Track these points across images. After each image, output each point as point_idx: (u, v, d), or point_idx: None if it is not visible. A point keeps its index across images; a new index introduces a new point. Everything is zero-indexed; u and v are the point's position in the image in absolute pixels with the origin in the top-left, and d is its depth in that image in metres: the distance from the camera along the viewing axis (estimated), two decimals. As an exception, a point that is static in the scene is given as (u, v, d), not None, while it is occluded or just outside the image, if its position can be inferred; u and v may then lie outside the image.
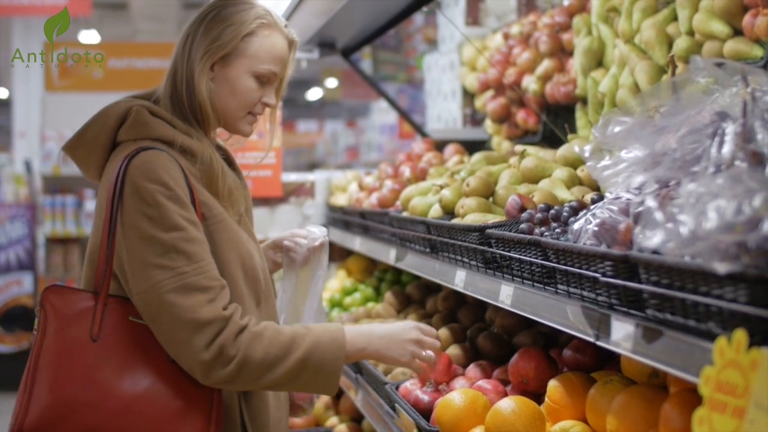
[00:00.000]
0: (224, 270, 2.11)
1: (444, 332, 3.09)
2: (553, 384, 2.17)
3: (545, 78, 3.59)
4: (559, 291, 1.90)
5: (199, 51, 2.18)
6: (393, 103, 5.35)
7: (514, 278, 2.15)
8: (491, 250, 2.27)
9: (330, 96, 17.97)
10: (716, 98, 1.71)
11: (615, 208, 1.70)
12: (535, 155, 2.87)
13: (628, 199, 1.69)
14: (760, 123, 1.48)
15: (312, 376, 2.08)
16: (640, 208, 1.56)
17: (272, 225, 4.76)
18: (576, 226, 1.81)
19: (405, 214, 3.17)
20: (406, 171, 3.72)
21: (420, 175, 3.62)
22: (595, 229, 1.71)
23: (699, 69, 1.79)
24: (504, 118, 4.04)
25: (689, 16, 2.62)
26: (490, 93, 4.22)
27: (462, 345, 2.95)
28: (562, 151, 2.83)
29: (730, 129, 1.52)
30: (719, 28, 2.48)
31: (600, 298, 1.70)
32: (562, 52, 3.59)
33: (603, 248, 1.66)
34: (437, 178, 3.26)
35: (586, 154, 1.90)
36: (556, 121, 3.57)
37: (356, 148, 17.43)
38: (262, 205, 4.78)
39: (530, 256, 2.03)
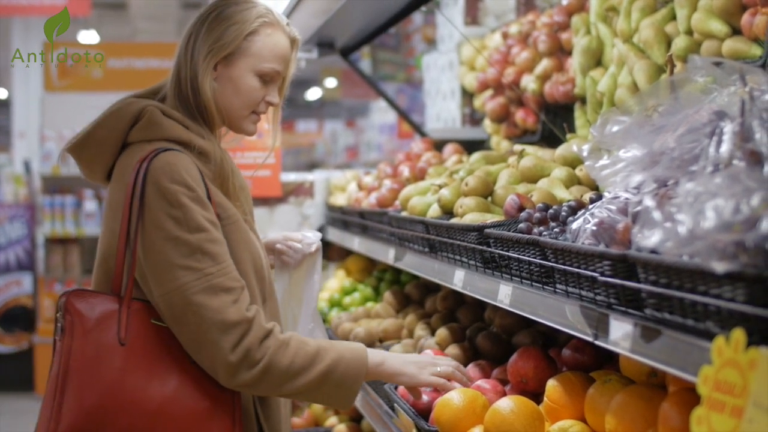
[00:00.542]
0: (239, 269, 2.12)
1: (443, 332, 3.08)
2: (551, 383, 2.17)
3: (544, 77, 3.59)
4: (557, 290, 1.90)
5: (202, 51, 2.18)
6: (392, 103, 5.35)
7: (513, 278, 2.15)
8: (490, 249, 2.27)
9: (329, 96, 17.97)
10: (714, 97, 1.71)
11: (613, 207, 1.70)
12: (534, 155, 2.87)
13: (627, 199, 1.69)
14: (759, 122, 1.48)
15: (332, 389, 2.11)
16: (639, 208, 1.56)
17: (271, 225, 4.76)
18: (574, 225, 1.81)
19: (404, 213, 3.17)
20: (405, 171, 3.72)
21: (419, 175, 3.61)
22: (594, 228, 1.71)
23: (697, 68, 1.79)
24: (503, 117, 4.04)
25: (688, 16, 2.62)
26: (488, 92, 4.22)
27: (461, 345, 2.95)
28: (561, 150, 2.83)
29: (729, 128, 1.52)
30: (718, 27, 2.48)
31: (598, 298, 1.70)
32: (560, 51, 3.59)
33: (601, 248, 1.66)
34: (436, 178, 3.26)
35: (585, 154, 1.90)
36: (554, 121, 3.57)
37: (356, 147, 17.44)
38: (261, 204, 4.78)
39: (529, 256, 2.02)
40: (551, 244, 1.87)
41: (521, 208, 2.42)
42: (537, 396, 2.29)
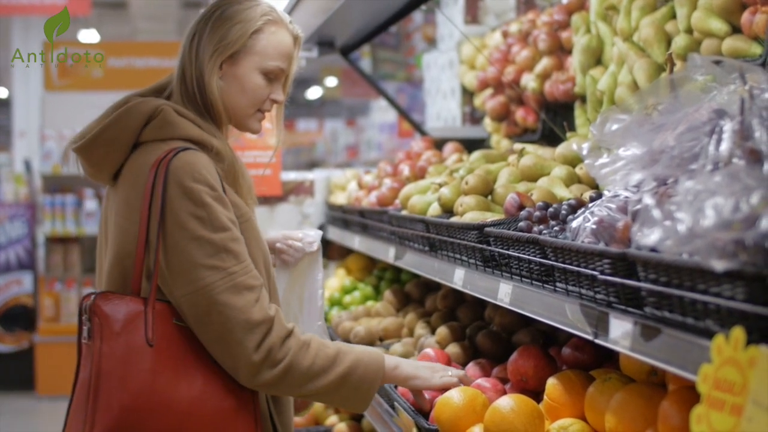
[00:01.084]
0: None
1: (443, 330, 3.09)
2: (551, 382, 2.17)
3: (544, 76, 3.59)
4: (557, 289, 1.90)
5: (208, 50, 2.18)
6: (392, 102, 5.35)
7: (513, 276, 2.15)
8: (490, 248, 2.27)
9: (330, 95, 17.98)
10: (714, 96, 1.71)
11: (613, 206, 1.70)
12: (534, 153, 2.87)
13: (626, 197, 1.69)
14: (758, 120, 1.48)
15: (349, 392, 2.15)
16: (638, 206, 1.56)
17: (272, 224, 4.76)
18: (574, 224, 1.81)
19: (404, 212, 3.17)
20: (405, 169, 3.72)
21: (419, 174, 3.61)
22: (594, 227, 1.71)
23: (697, 67, 1.79)
24: (503, 116, 4.04)
25: (688, 14, 2.62)
26: (489, 91, 4.22)
27: (461, 343, 2.95)
28: (561, 149, 2.83)
29: (728, 126, 1.52)
30: (718, 25, 2.48)
31: (598, 296, 1.70)
32: (560, 50, 3.59)
33: (601, 246, 1.66)
34: (436, 177, 3.26)
35: (584, 152, 1.90)
36: (555, 119, 3.57)
37: (356, 146, 17.43)
38: (261, 203, 4.75)
39: (529, 254, 2.03)
40: (551, 242, 1.87)
41: (521, 207, 2.42)
42: (537, 395, 2.29)
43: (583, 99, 3.31)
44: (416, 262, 2.96)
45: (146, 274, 2.07)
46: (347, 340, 3.50)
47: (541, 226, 2.10)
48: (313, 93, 20.22)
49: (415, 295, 3.84)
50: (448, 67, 5.14)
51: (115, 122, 2.14)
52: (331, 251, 4.87)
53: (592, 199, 1.99)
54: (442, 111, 5.26)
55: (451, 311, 3.36)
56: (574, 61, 3.30)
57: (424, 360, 2.70)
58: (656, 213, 1.45)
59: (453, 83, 5.04)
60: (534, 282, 2.02)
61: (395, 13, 4.03)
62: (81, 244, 8.65)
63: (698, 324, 1.38)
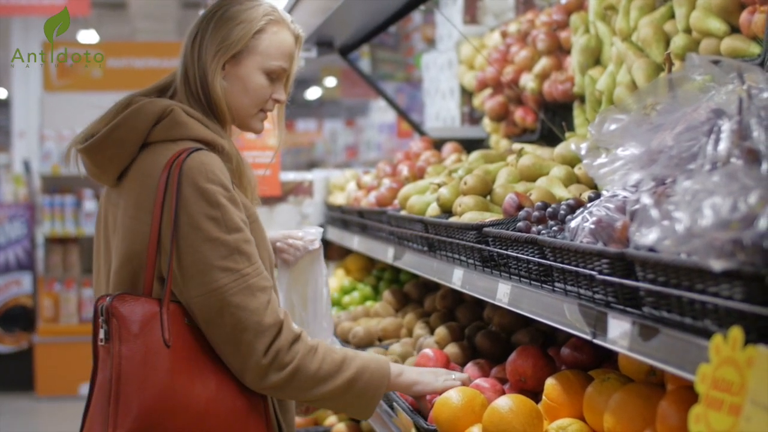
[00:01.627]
0: None
1: (442, 331, 3.08)
2: (550, 382, 2.17)
3: (543, 76, 3.59)
4: (556, 289, 1.90)
5: (210, 51, 2.18)
6: (391, 102, 5.35)
7: (512, 276, 2.15)
8: (488, 248, 2.27)
9: (329, 95, 17.98)
10: (712, 96, 1.71)
11: (612, 205, 1.70)
12: (533, 153, 2.87)
13: (625, 197, 1.69)
14: (756, 120, 1.48)
15: (354, 398, 2.16)
16: (637, 206, 1.56)
17: (271, 224, 4.76)
18: (573, 224, 1.81)
19: (403, 212, 3.17)
20: (404, 170, 3.72)
21: (418, 174, 3.61)
22: (592, 227, 1.71)
23: (695, 66, 1.79)
24: (502, 116, 4.04)
25: (686, 14, 2.62)
26: (488, 91, 4.22)
27: (460, 343, 2.95)
28: (560, 149, 2.83)
29: (726, 126, 1.52)
30: (716, 25, 2.48)
31: (597, 296, 1.70)
32: (559, 50, 3.59)
33: (599, 246, 1.66)
34: (435, 177, 3.26)
35: (583, 152, 1.90)
36: (554, 119, 3.57)
37: (355, 147, 17.44)
38: (259, 204, 4.78)
39: (527, 255, 2.02)
40: (550, 242, 1.87)
41: (520, 207, 2.42)
42: (536, 395, 2.29)
43: (581, 99, 3.31)
44: (415, 263, 2.96)
45: (158, 274, 2.07)
46: (346, 341, 3.50)
47: (540, 226, 2.10)
48: (313, 93, 20.22)
49: (414, 296, 3.84)
50: (447, 68, 5.14)
51: (123, 123, 2.12)
52: (330, 251, 4.87)
53: (590, 199, 1.99)
54: (441, 111, 5.26)
55: (449, 311, 3.36)
56: (573, 61, 3.30)
57: (423, 360, 2.70)
58: (654, 213, 1.45)
59: (452, 83, 5.04)
60: (532, 282, 2.02)
61: (394, 14, 4.03)
62: (80, 245, 8.64)
63: (696, 324, 1.38)
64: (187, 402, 2.01)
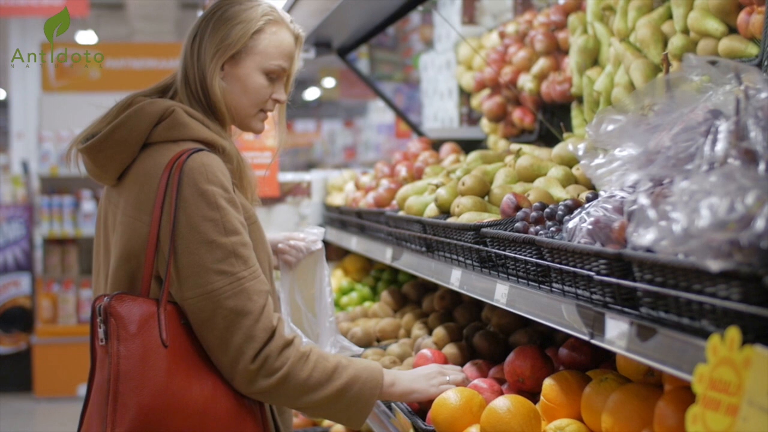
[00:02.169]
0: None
1: (440, 331, 3.08)
2: (548, 382, 2.17)
3: (541, 77, 3.60)
4: (553, 289, 1.90)
5: (209, 51, 2.18)
6: (389, 103, 5.35)
7: (510, 277, 2.15)
8: (486, 249, 2.27)
9: (327, 96, 17.96)
10: (710, 96, 1.71)
11: (609, 206, 1.70)
12: (531, 154, 2.87)
13: (622, 198, 1.69)
14: (753, 121, 1.48)
15: (345, 407, 2.14)
16: (634, 207, 1.56)
17: (269, 225, 4.76)
18: (571, 224, 1.81)
19: (401, 213, 3.17)
20: (402, 170, 3.72)
21: (416, 175, 3.61)
22: (590, 227, 1.71)
23: (693, 67, 1.79)
24: (500, 117, 4.04)
25: (684, 15, 2.62)
26: (486, 92, 4.22)
27: (458, 344, 2.95)
28: (558, 149, 2.83)
29: (724, 127, 1.52)
30: (714, 26, 2.48)
31: (594, 297, 1.70)
32: (557, 50, 3.59)
33: (597, 246, 1.66)
34: (433, 177, 3.26)
35: (580, 153, 1.90)
36: (552, 120, 3.57)
37: (354, 147, 17.44)
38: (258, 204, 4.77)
39: (525, 255, 2.03)
40: (547, 243, 1.87)
41: (518, 208, 2.42)
42: (534, 395, 2.30)
43: (579, 99, 3.32)
44: (413, 263, 2.96)
45: (155, 275, 2.07)
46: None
47: (538, 227, 2.10)
48: (311, 94, 20.22)
49: (412, 296, 3.84)
50: (445, 68, 5.14)
51: (124, 123, 2.12)
52: (329, 252, 4.86)
53: (588, 200, 1.99)
54: (439, 112, 5.26)
55: (448, 312, 3.36)
56: (571, 62, 3.30)
57: (421, 361, 2.70)
58: (652, 213, 1.45)
59: (450, 84, 5.05)
60: (530, 282, 2.02)
61: (392, 14, 4.03)
62: (78, 246, 8.64)
63: (694, 324, 1.38)
64: (184, 402, 2.01)
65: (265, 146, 4.51)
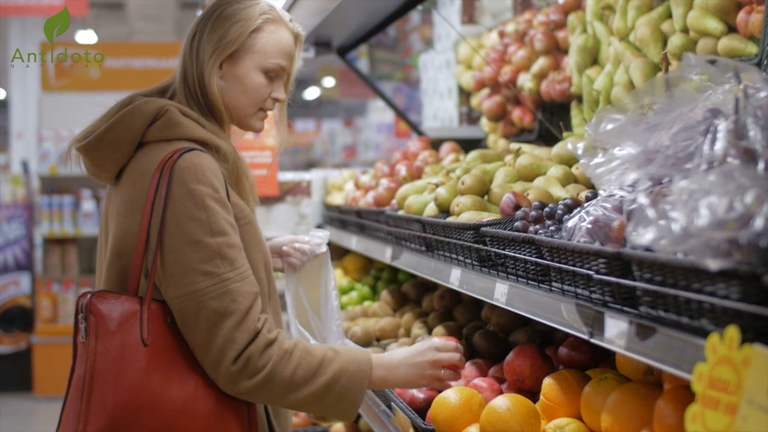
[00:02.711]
0: (252, 269, 2.12)
1: (440, 330, 3.09)
2: (548, 381, 2.17)
3: (540, 76, 3.60)
4: (553, 289, 1.90)
5: (207, 50, 2.18)
6: (389, 102, 5.35)
7: (509, 276, 2.15)
8: (486, 248, 2.27)
9: (327, 95, 17.95)
10: (709, 95, 1.71)
11: (609, 205, 1.71)
12: (530, 153, 2.87)
13: (622, 197, 1.69)
14: (753, 120, 1.48)
15: (333, 402, 2.10)
16: (633, 206, 1.56)
17: (269, 224, 4.76)
18: (570, 223, 1.81)
19: (401, 212, 3.17)
20: (402, 169, 3.72)
21: (416, 174, 3.61)
22: (589, 226, 1.71)
23: (692, 66, 1.79)
24: (500, 116, 4.04)
25: (684, 14, 2.62)
26: (485, 91, 4.23)
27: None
28: (557, 149, 2.83)
29: (723, 126, 1.52)
30: (713, 25, 2.48)
31: (594, 296, 1.70)
32: (557, 50, 3.59)
33: (596, 246, 1.66)
34: (433, 177, 3.26)
35: (580, 152, 1.90)
36: (551, 119, 3.57)
37: (354, 147, 17.43)
38: (258, 204, 4.77)
39: (525, 254, 2.03)
40: (547, 242, 1.87)
41: (517, 207, 2.42)
42: (534, 394, 2.30)
43: (579, 99, 3.32)
44: (413, 262, 2.96)
45: (144, 273, 2.07)
46: (344, 341, 3.50)
47: (537, 226, 2.10)
48: (311, 93, 20.22)
49: (412, 296, 3.84)
50: (445, 68, 5.14)
51: (119, 122, 2.13)
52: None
53: (587, 199, 1.99)
54: (439, 111, 5.26)
55: (447, 311, 3.37)
56: (571, 61, 3.30)
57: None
58: (651, 212, 1.45)
59: (450, 83, 5.05)
60: (530, 282, 2.02)
61: (392, 14, 4.04)
62: (78, 245, 8.64)
63: (693, 323, 1.38)
64: (162, 401, 2.00)
65: (265, 146, 4.51)
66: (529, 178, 2.76)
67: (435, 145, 4.15)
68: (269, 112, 2.32)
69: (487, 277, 2.28)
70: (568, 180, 2.66)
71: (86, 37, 12.59)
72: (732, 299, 1.28)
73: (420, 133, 4.81)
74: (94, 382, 1.99)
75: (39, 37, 10.30)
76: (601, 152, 1.86)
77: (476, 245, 2.33)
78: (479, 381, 2.48)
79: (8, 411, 8.00)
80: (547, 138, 3.56)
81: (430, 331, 3.21)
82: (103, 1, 12.96)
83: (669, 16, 2.77)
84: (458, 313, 3.28)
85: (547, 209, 2.14)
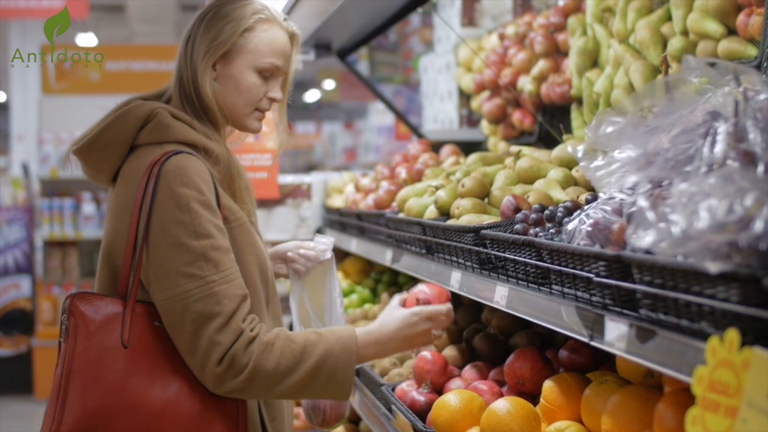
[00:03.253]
0: (244, 273, 2.11)
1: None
2: (548, 384, 2.17)
3: (540, 78, 3.60)
4: (553, 291, 1.90)
5: (200, 51, 2.18)
6: (389, 104, 5.35)
7: (509, 279, 2.15)
8: (486, 250, 2.27)
9: (328, 98, 17.96)
10: (709, 98, 1.71)
11: (608, 208, 1.71)
12: (530, 156, 2.87)
13: (622, 200, 1.69)
14: (752, 122, 1.48)
15: (324, 384, 2.09)
16: (633, 208, 1.56)
17: (269, 227, 4.76)
18: (570, 226, 1.81)
19: (401, 215, 3.17)
20: (402, 172, 3.72)
21: (416, 176, 3.62)
22: (589, 229, 1.71)
23: (692, 69, 1.79)
24: (500, 118, 4.04)
25: (683, 16, 2.62)
26: (485, 94, 4.23)
27: (458, 346, 2.95)
28: (557, 151, 2.83)
29: (723, 129, 1.52)
30: (713, 27, 2.48)
31: (594, 299, 1.70)
32: (557, 52, 3.59)
33: (596, 248, 1.66)
34: (433, 179, 3.26)
35: (579, 155, 1.90)
36: (551, 122, 3.57)
37: (354, 149, 17.43)
38: (258, 207, 4.76)
39: (525, 257, 2.03)
40: (547, 245, 1.87)
41: (517, 209, 2.42)
42: (534, 397, 2.30)
43: (579, 101, 3.32)
44: (413, 265, 2.96)
45: (132, 275, 2.07)
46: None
47: (537, 229, 2.10)
48: (311, 96, 20.23)
49: (412, 298, 3.83)
50: (445, 70, 5.14)
51: (111, 125, 2.14)
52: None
53: (587, 202, 1.99)
54: (439, 113, 5.26)
55: (448, 314, 3.36)
56: (571, 64, 3.30)
57: (420, 363, 2.70)
58: (651, 215, 1.45)
59: (450, 86, 5.05)
60: (530, 284, 2.02)
61: (392, 16, 4.04)
62: (79, 248, 8.64)
63: (693, 326, 1.38)
64: (139, 403, 2.00)
65: (265, 148, 4.51)
66: (529, 180, 2.76)
67: (435, 147, 4.15)
68: (268, 114, 2.32)
69: (487, 280, 2.28)
70: (568, 183, 2.66)
71: (86, 39, 12.60)
72: (732, 302, 1.28)
73: (420, 135, 4.81)
74: (70, 382, 2.00)
75: (39, 40, 10.30)
76: (601, 155, 1.86)
77: (476, 248, 2.33)
78: (479, 384, 2.48)
79: (9, 414, 8.00)
80: (547, 140, 3.56)
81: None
82: (104, 4, 12.98)
83: (669, 18, 2.77)
84: (458, 316, 3.28)
85: (547, 212, 2.14)
